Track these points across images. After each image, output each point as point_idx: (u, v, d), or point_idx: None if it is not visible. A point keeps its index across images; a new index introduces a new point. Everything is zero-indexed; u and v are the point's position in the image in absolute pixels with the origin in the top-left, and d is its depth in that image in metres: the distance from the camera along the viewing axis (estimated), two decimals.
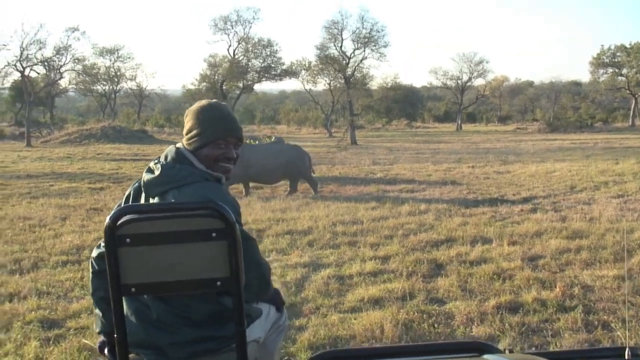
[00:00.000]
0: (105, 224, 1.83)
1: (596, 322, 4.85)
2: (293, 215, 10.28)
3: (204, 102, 2.52)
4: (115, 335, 1.89)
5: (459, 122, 50.21)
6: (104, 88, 54.90)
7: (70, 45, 41.65)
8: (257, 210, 10.87)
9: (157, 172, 2.31)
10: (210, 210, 1.85)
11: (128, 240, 1.83)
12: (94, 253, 2.41)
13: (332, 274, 6.49)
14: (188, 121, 2.46)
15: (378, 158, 22.65)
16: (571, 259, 6.83)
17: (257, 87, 47.66)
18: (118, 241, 1.83)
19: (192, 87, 49.34)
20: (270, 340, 2.54)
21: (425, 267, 6.61)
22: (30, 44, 38.22)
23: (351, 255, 7.39)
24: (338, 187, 14.35)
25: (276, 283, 6.08)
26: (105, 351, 2.36)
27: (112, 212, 1.84)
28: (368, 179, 15.88)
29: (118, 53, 53.12)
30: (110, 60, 53.12)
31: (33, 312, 5.46)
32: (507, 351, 2.08)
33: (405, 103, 57.43)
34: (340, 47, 40.73)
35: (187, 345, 2.22)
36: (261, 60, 43.46)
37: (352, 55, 40.82)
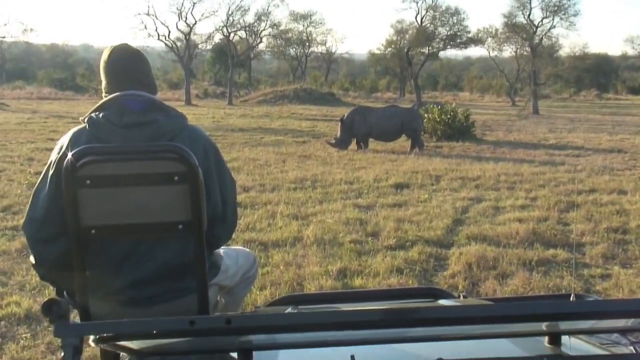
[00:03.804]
0: (64, 164, 1.80)
1: None
2: (466, 167, 12.52)
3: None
4: (75, 282, 1.89)
5: None
6: (296, 52, 58.22)
7: (270, 12, 45.65)
8: (436, 162, 13.28)
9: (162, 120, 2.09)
10: (174, 153, 1.83)
11: (88, 182, 1.80)
12: (29, 220, 2.10)
13: (490, 205, 8.75)
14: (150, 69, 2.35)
15: (555, 127, 23.49)
16: None
17: (442, 53, 48.78)
18: (78, 182, 1.80)
19: (378, 52, 51.86)
20: (238, 289, 2.54)
21: (563, 205, 8.61)
22: (236, 10, 42.80)
23: (508, 195, 9.54)
24: (510, 149, 16.19)
25: (448, 206, 8.52)
26: (65, 294, 2.19)
27: (72, 152, 1.82)
28: (539, 145, 17.46)
29: (311, 18, 56.32)
30: (303, 26, 56.31)
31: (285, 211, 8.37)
32: (461, 296, 2.21)
33: (597, 72, 55.31)
34: (529, 15, 40.82)
35: (151, 290, 2.11)
36: (447, 28, 44.27)
37: (540, 23, 40.81)
